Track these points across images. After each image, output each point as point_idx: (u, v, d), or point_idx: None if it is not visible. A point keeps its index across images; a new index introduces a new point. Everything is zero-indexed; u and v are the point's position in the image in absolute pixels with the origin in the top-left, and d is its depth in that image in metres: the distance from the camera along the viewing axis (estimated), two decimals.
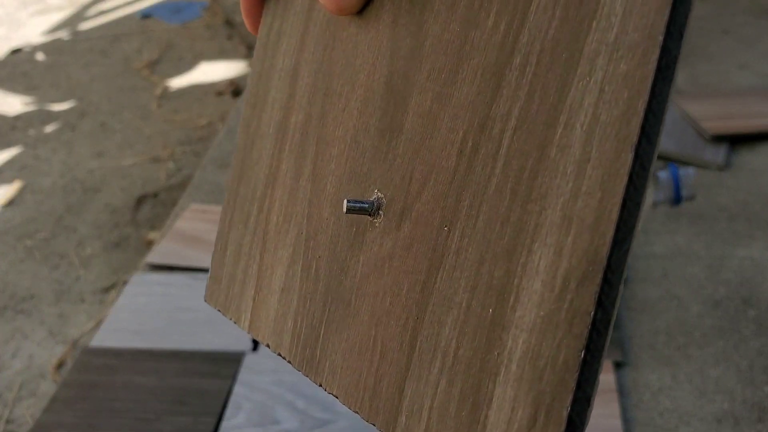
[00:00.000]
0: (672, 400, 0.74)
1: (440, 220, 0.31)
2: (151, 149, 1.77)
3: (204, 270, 0.93)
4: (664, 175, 0.85)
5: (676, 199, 0.85)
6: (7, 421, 0.74)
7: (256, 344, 0.82)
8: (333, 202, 0.37)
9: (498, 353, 0.29)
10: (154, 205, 1.53)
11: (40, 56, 1.66)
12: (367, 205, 0.34)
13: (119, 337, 0.83)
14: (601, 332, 0.26)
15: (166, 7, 2.70)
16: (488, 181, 0.30)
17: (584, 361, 0.25)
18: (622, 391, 0.75)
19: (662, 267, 0.93)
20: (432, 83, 0.33)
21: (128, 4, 2.72)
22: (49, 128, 1.71)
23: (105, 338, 0.83)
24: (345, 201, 0.33)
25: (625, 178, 0.25)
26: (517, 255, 0.29)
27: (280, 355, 0.38)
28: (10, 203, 1.25)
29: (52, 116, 1.59)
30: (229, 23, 2.48)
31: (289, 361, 0.38)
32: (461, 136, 0.31)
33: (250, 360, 0.79)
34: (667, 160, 1.15)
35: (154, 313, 0.86)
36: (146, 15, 2.67)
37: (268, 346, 0.39)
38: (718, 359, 0.79)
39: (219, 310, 0.43)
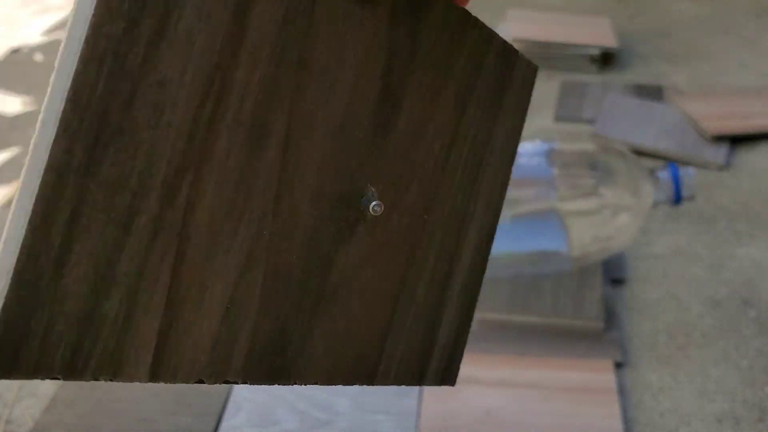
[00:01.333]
0: (672, 400, 0.74)
1: (422, 210, 0.39)
2: None
3: None
4: (664, 175, 0.85)
5: (677, 199, 0.85)
6: (7, 422, 0.74)
7: None
8: (314, 195, 0.33)
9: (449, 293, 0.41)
10: None
11: (39, 56, 1.66)
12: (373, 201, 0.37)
13: None
14: None
15: None
16: (452, 182, 0.40)
17: None
18: (622, 392, 0.75)
19: (662, 267, 0.93)
20: (422, 93, 0.37)
21: None
22: None
23: None
24: (377, 204, 0.36)
25: None
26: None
27: (226, 382, 0.31)
28: (10, 204, 1.25)
29: None
30: None
31: (244, 382, 0.32)
32: (439, 144, 0.39)
33: None
34: (667, 159, 1.15)
35: None
36: None
37: (201, 381, 0.30)
38: (719, 359, 0.79)
39: (47, 378, 0.26)
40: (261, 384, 0.32)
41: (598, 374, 0.76)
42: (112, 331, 0.26)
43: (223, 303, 0.30)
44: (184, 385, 0.76)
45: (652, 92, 1.36)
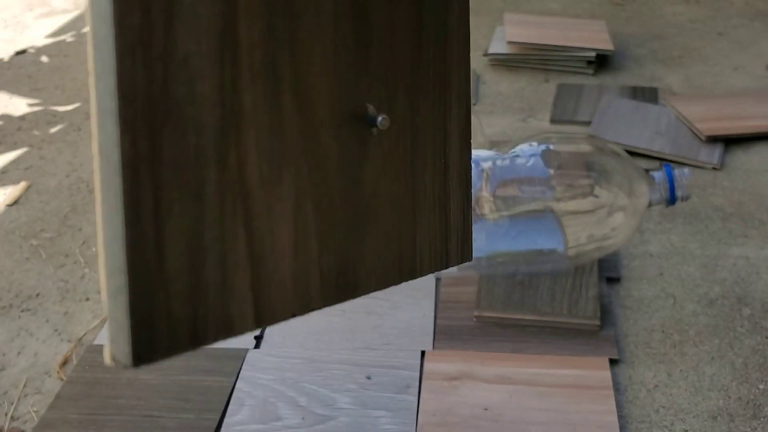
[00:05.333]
0: (667, 396, 0.75)
1: (410, 113, 0.41)
2: None
3: None
4: (659, 175, 0.86)
5: (671, 200, 0.86)
6: (12, 418, 0.75)
7: (258, 341, 0.83)
8: (330, 124, 0.36)
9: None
10: None
11: (45, 58, 1.67)
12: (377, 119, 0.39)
13: None
14: None
15: None
16: (427, 81, 0.41)
17: None
18: (618, 388, 0.76)
19: (657, 266, 0.94)
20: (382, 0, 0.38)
21: None
22: (55, 129, 1.72)
23: None
24: (382, 118, 0.38)
25: None
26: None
27: (312, 310, 0.35)
28: (16, 203, 1.26)
29: (57, 117, 1.60)
30: None
31: (324, 306, 0.37)
32: (409, 46, 0.40)
33: (252, 357, 0.80)
34: (662, 160, 1.16)
35: None
36: None
37: (293, 316, 0.34)
38: (713, 357, 0.80)
39: (179, 353, 0.28)
40: (335, 304, 0.36)
41: (594, 371, 0.77)
42: (216, 295, 0.30)
43: (290, 243, 0.34)
44: (187, 381, 0.77)
45: (647, 94, 1.37)
